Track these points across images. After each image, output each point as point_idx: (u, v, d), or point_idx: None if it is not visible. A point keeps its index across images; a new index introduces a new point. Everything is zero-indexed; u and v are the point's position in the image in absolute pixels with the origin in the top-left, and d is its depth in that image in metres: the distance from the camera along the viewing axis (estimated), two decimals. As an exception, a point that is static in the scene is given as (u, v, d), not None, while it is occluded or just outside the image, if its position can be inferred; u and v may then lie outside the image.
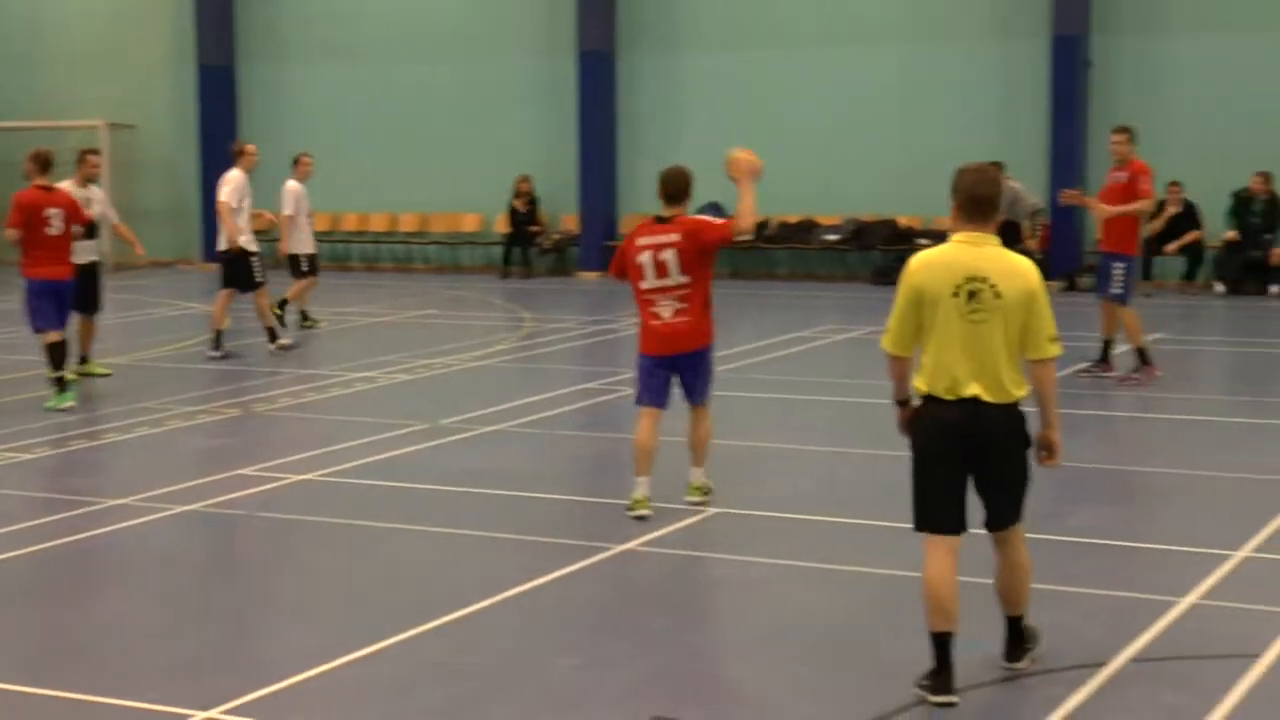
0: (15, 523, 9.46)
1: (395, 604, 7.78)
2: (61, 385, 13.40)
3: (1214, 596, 7.75)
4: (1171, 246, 22.62)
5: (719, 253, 9.74)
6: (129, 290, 23.88)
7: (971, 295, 6.26)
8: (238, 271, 16.82)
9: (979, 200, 6.36)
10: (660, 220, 9.48)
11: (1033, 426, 6.47)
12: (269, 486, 10.40)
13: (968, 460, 6.37)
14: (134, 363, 16.26)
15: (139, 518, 9.58)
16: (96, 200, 15.58)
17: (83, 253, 14.81)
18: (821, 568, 8.43)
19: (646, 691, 6.55)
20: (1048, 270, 6.02)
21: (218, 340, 16.53)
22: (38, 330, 13.59)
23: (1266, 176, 21.92)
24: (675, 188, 9.50)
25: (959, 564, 6.43)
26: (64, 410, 13.21)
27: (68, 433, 12.44)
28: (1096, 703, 6.34)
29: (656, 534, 9.05)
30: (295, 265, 18.85)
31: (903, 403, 6.61)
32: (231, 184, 16.80)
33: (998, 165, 14.36)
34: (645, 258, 9.42)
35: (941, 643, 6.34)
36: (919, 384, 6.42)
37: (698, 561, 8.83)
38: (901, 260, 26.16)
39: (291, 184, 18.76)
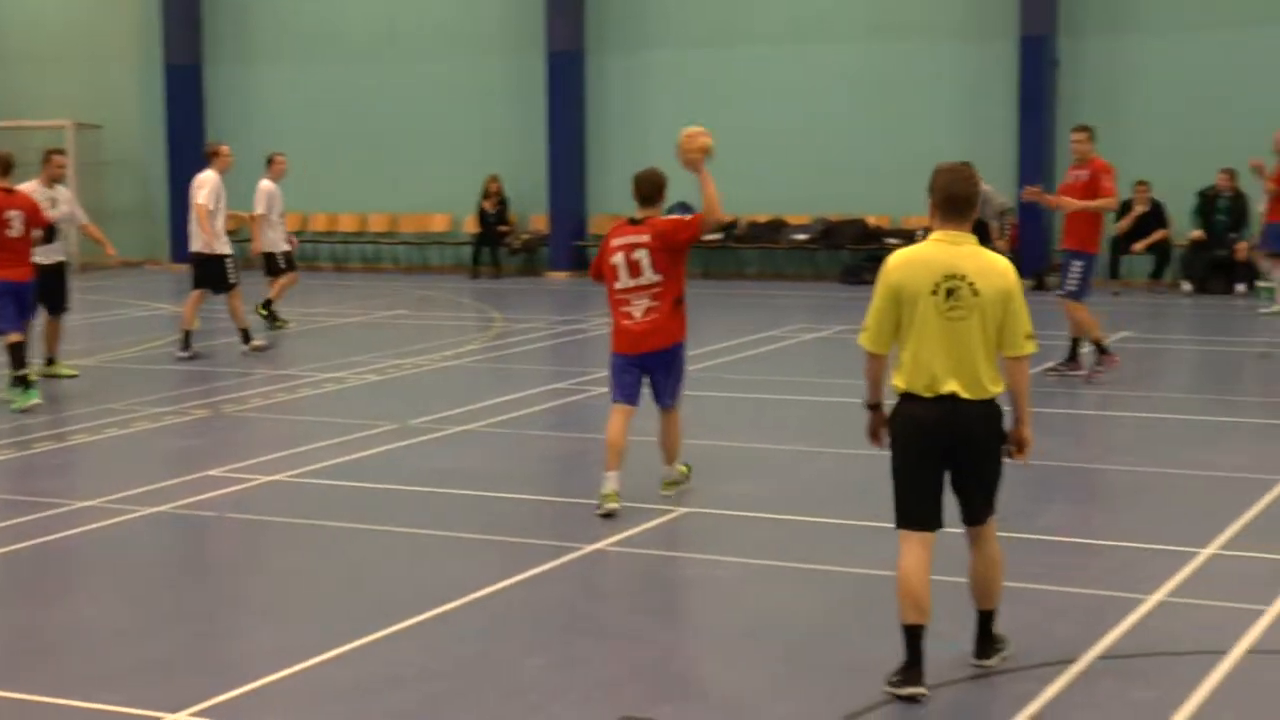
0: (-18, 525, 9.41)
1: (365, 605, 7.76)
2: (25, 384, 13.33)
3: (1182, 594, 7.79)
4: (1139, 245, 22.74)
5: (690, 250, 9.81)
6: (96, 291, 23.77)
7: (950, 293, 6.32)
8: (211, 273, 16.76)
9: (956, 199, 6.42)
10: (633, 222, 9.62)
11: (1005, 423, 6.52)
12: (239, 487, 10.36)
13: (946, 457, 6.43)
14: (102, 364, 16.18)
15: (108, 519, 9.54)
16: (63, 200, 15.50)
17: (49, 253, 14.74)
18: (793, 567, 8.44)
19: (617, 691, 6.55)
20: (1017, 270, 6.12)
21: (187, 341, 16.46)
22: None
23: (1232, 173, 22.04)
24: (649, 189, 9.62)
25: (932, 563, 6.46)
26: (29, 409, 13.14)
27: (35, 434, 12.37)
28: (1065, 699, 6.37)
29: (627, 534, 9.05)
30: (272, 264, 18.84)
31: (874, 407, 6.65)
32: (208, 186, 16.72)
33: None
34: (619, 258, 9.55)
35: (913, 635, 6.38)
36: (897, 381, 6.46)
37: (669, 561, 8.84)
38: (871, 260, 26.34)
39: (265, 183, 18.72)
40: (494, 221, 26.18)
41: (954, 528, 6.67)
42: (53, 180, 15.37)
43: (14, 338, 13.43)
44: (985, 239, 20.51)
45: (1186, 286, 22.58)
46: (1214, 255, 22.30)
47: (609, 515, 9.33)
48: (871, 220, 24.59)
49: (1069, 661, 6.74)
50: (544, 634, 7.33)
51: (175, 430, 12.53)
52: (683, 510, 9.59)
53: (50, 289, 14.83)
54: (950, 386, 6.33)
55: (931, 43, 24.34)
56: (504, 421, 12.69)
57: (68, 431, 12.60)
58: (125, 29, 29.45)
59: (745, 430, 12.31)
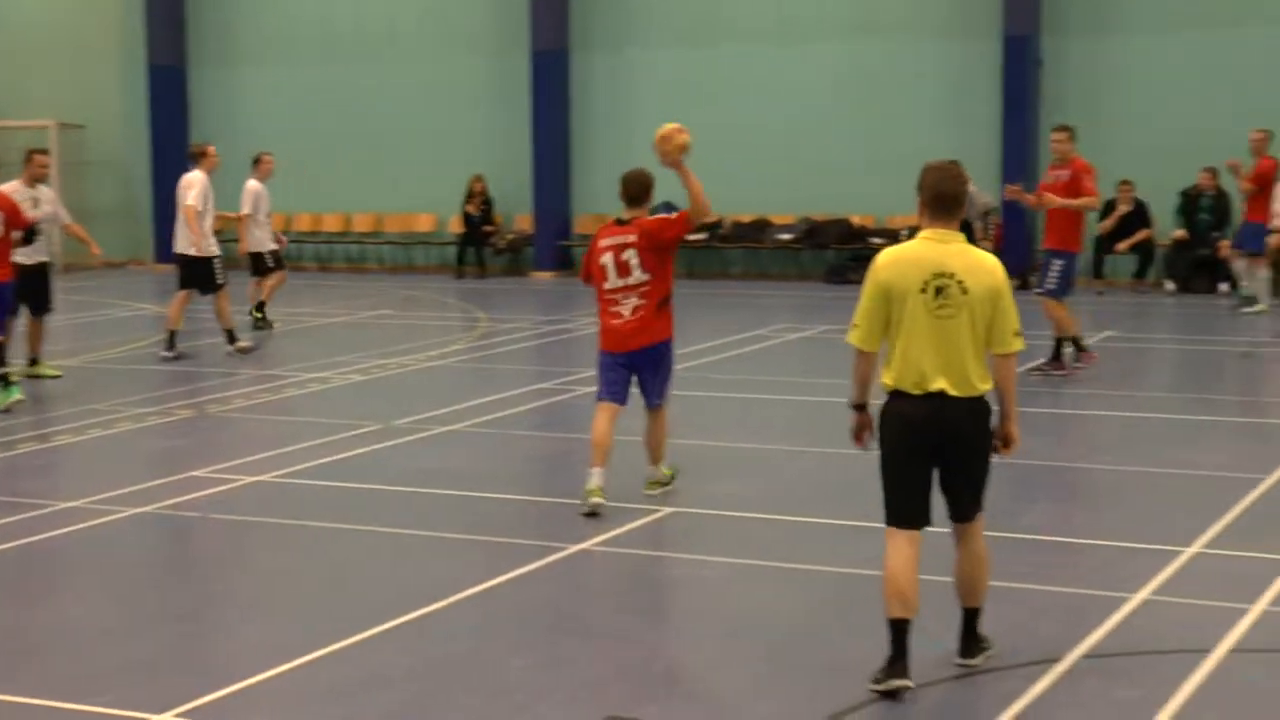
0: (-34, 526, 9.39)
1: (350, 605, 7.76)
2: (6, 382, 13.30)
3: (1165, 592, 7.81)
4: (1122, 245, 22.80)
5: (678, 249, 9.87)
6: (80, 291, 23.71)
7: (939, 291, 6.35)
8: (199, 274, 16.73)
9: (944, 197, 6.46)
10: (620, 222, 9.69)
11: (993, 420, 6.55)
12: (223, 488, 10.35)
13: (934, 454, 6.46)
14: (85, 364, 16.15)
15: (92, 520, 9.52)
16: (46, 200, 15.46)
17: (32, 253, 14.70)
18: (777, 566, 8.45)
19: (603, 691, 6.56)
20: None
21: (171, 341, 16.43)
22: (-21, 332, 13.49)
23: (1214, 172, 22.09)
24: (636, 190, 9.72)
25: (920, 560, 6.49)
26: (11, 406, 13.11)
27: (18, 435, 12.34)
28: (1050, 698, 6.39)
29: (612, 534, 9.05)
30: (259, 263, 18.83)
31: (859, 407, 6.67)
32: (197, 188, 16.67)
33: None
34: (608, 259, 9.62)
35: (899, 630, 6.40)
36: (886, 379, 6.48)
37: (654, 561, 8.85)
38: (855, 259, 26.32)
39: (252, 183, 18.71)
40: (479, 221, 26.16)
41: (940, 528, 6.69)
42: (35, 180, 15.33)
43: (-5, 337, 13.41)
44: (970, 239, 20.43)
45: (1170, 286, 22.64)
46: (1197, 255, 22.36)
47: (593, 512, 9.34)
48: (856, 220, 24.61)
49: (1053, 660, 6.76)
50: (530, 634, 7.33)
51: (159, 431, 12.51)
52: (668, 510, 9.60)
53: (34, 289, 14.80)
54: (939, 384, 6.37)
55: (915, 42, 24.37)
56: (489, 421, 12.69)
57: (52, 432, 12.57)
58: (109, 29, 29.39)
59: (730, 430, 12.32)
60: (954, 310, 6.35)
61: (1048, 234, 14.74)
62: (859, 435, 6.72)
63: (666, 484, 9.92)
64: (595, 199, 25.55)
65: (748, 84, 25.24)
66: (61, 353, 16.45)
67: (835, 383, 13.06)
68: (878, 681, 6.36)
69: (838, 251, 24.47)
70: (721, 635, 7.33)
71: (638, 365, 9.70)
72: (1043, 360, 14.58)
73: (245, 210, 18.62)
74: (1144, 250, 22.94)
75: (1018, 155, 23.18)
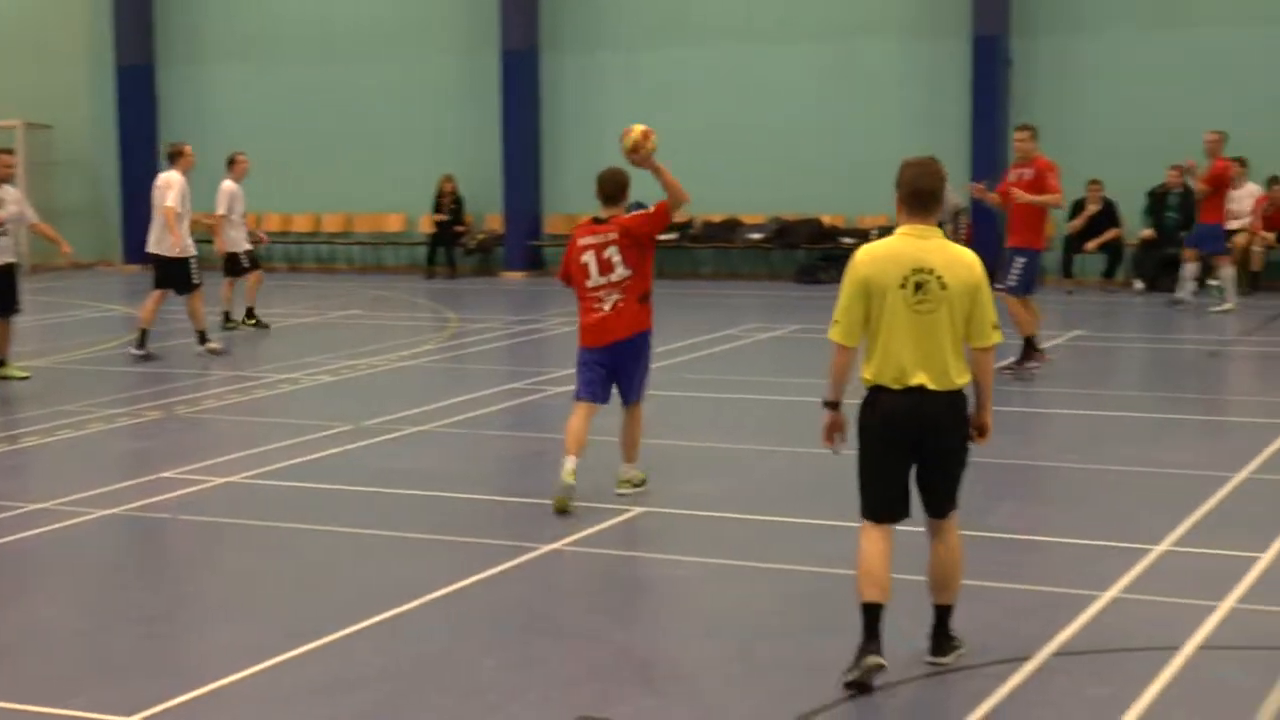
0: (-66, 528, 9.34)
1: (322, 606, 7.75)
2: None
3: (1135, 590, 7.86)
4: (1091, 244, 22.91)
5: (655, 245, 9.92)
6: (48, 292, 23.60)
7: (919, 287, 6.41)
8: (175, 274, 16.67)
9: (922, 194, 6.53)
10: (598, 221, 9.73)
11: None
12: (193, 489, 10.32)
13: (913, 449, 6.51)
14: (54, 365, 16.07)
15: (61, 522, 9.48)
16: (11, 200, 15.36)
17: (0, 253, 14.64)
18: (750, 565, 8.47)
19: (575, 690, 6.56)
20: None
21: (143, 339, 16.37)
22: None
23: (1181, 169, 22.18)
24: (612, 188, 9.78)
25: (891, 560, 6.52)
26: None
27: (-13, 436, 12.29)
28: (1021, 696, 6.41)
29: (584, 533, 9.06)
30: (234, 264, 18.81)
31: (833, 405, 6.69)
32: (175, 188, 16.59)
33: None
34: (589, 257, 9.67)
35: (872, 614, 6.42)
36: (866, 374, 6.52)
37: (626, 560, 8.86)
38: (826, 259, 26.26)
39: (227, 184, 18.67)
40: (449, 221, 26.12)
41: (913, 526, 6.72)
42: (1, 180, 15.25)
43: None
44: (942, 238, 20.39)
45: (1138, 285, 22.75)
46: (1165, 254, 22.46)
47: (565, 496, 9.33)
48: (826, 219, 24.65)
49: (1024, 659, 6.79)
50: (502, 634, 7.33)
51: (129, 432, 12.47)
52: (640, 510, 9.60)
53: (1, 290, 14.72)
54: (919, 378, 6.42)
55: (885, 42, 24.43)
56: (460, 422, 12.68)
57: (20, 433, 12.51)
58: (76, 29, 29.25)
59: (702, 429, 12.34)
60: (934, 305, 6.41)
61: (1011, 232, 14.92)
62: (829, 434, 6.73)
63: (638, 485, 9.94)
64: (566, 199, 25.54)
65: (717, 84, 25.26)
66: (29, 354, 16.37)
67: (806, 382, 13.10)
68: (850, 671, 6.38)
69: (808, 251, 24.50)
70: (694, 634, 7.34)
71: (618, 359, 9.72)
72: (1012, 359, 14.64)
73: (220, 210, 18.59)
74: (1113, 249, 23.05)
75: (988, 155, 23.24)
